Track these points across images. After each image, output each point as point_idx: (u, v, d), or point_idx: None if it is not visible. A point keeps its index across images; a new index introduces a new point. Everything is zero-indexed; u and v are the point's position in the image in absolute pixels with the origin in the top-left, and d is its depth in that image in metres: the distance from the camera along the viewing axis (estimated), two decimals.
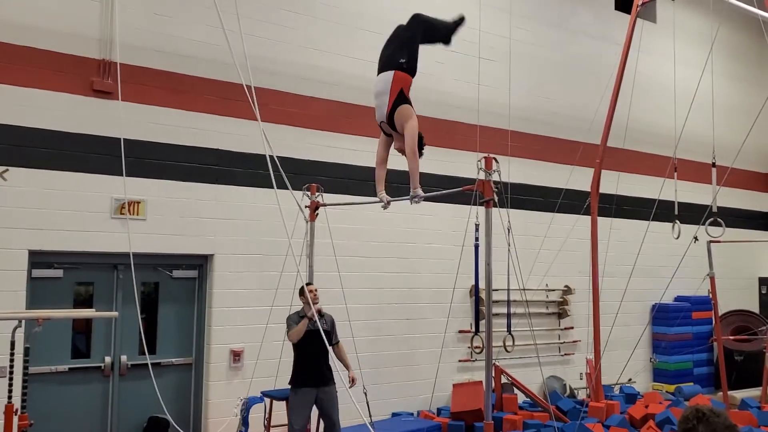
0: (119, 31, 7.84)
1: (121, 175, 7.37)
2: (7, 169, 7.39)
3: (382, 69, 6.27)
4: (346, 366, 7.37)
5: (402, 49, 6.26)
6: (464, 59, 10.79)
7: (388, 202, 6.48)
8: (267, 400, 7.78)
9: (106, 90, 7.99)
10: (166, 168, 8.43)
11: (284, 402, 7.71)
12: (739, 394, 11.09)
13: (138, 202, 8.19)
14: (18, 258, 7.49)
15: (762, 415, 9.27)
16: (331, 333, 7.38)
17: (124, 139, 7.39)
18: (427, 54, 10.65)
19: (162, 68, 8.45)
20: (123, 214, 7.97)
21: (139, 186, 8.10)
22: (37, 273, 7.78)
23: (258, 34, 8.86)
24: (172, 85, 8.50)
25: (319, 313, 7.19)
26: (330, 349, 6.24)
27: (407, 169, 6.12)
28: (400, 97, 6.06)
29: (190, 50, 8.62)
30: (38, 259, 7.74)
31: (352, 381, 7.24)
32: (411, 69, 6.26)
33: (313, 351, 6.70)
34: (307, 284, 7.34)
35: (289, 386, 7.23)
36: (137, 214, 8.18)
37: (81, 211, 7.86)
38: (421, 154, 6.18)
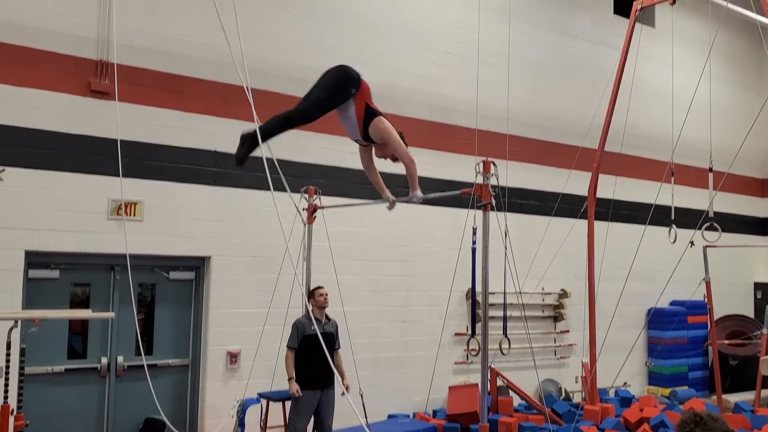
0: (117, 32, 7.82)
1: (118, 176, 7.35)
2: (4, 169, 7.38)
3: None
4: (341, 374, 7.40)
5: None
6: (462, 62, 10.80)
7: (393, 202, 6.38)
8: (263, 402, 7.78)
9: (104, 90, 7.98)
10: (163, 169, 8.42)
11: (280, 403, 7.71)
12: (733, 398, 11.12)
13: (135, 203, 8.19)
14: (14, 258, 7.48)
15: (755, 418, 9.30)
16: (335, 337, 7.43)
17: (121, 140, 7.38)
18: (425, 56, 10.72)
19: (159, 69, 8.45)
20: (120, 215, 7.95)
21: (135, 187, 8.08)
22: (34, 273, 7.77)
23: (257, 36, 8.86)
24: (169, 86, 8.49)
25: (327, 317, 7.43)
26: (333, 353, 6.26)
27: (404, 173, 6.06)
28: (368, 112, 5.64)
29: (188, 51, 8.62)
30: (35, 259, 7.72)
31: (347, 389, 7.28)
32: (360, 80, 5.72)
33: (319, 354, 6.72)
34: (318, 288, 7.40)
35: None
36: (134, 215, 8.18)
37: (78, 212, 7.85)
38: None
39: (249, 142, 5.25)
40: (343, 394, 5.58)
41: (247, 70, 5.77)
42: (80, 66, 7.96)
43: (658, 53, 12.79)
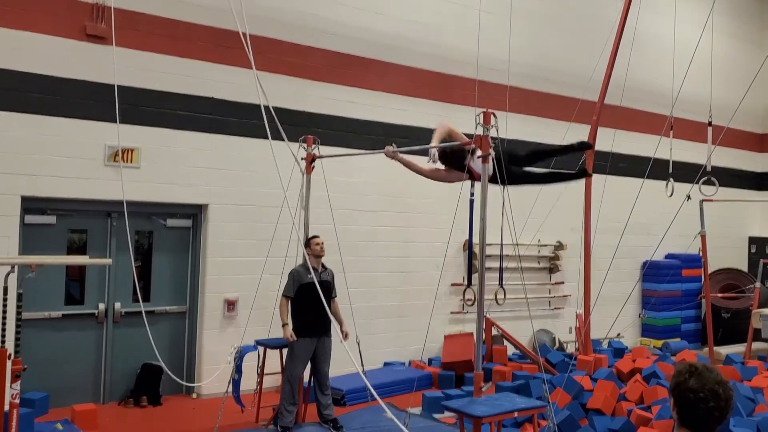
0: None
1: (115, 121, 7.29)
2: None
3: None
4: (339, 321, 7.46)
5: None
6: (463, 11, 10.63)
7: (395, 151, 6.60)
8: (261, 349, 7.84)
9: (100, 35, 7.85)
10: (160, 115, 8.34)
11: (278, 350, 7.79)
12: (724, 350, 11.28)
13: (131, 150, 8.13)
14: (10, 204, 7.46)
15: (745, 370, 9.43)
16: (331, 286, 7.47)
17: (117, 85, 7.29)
18: (425, 4, 10.55)
19: (157, 13, 8.30)
20: (116, 161, 7.90)
21: (132, 133, 8.01)
22: (30, 219, 7.76)
23: None
24: (166, 31, 8.36)
25: (323, 266, 7.43)
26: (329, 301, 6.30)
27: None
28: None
29: None
30: (31, 205, 7.71)
31: (345, 336, 7.34)
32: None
33: (316, 302, 6.78)
34: (314, 237, 7.41)
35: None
36: (131, 162, 8.13)
37: (74, 158, 7.81)
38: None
39: None
40: (341, 341, 5.65)
41: (245, 16, 5.69)
42: (76, 9, 7.81)
43: (660, 6, 12.59)
